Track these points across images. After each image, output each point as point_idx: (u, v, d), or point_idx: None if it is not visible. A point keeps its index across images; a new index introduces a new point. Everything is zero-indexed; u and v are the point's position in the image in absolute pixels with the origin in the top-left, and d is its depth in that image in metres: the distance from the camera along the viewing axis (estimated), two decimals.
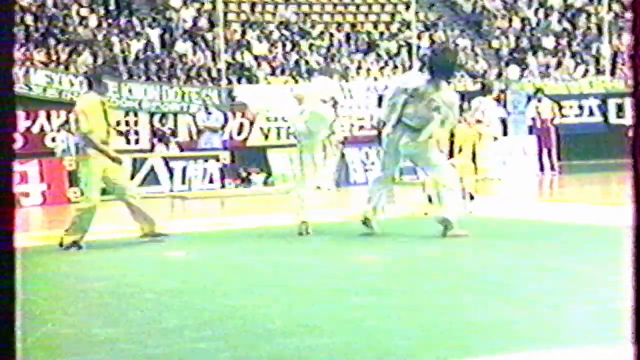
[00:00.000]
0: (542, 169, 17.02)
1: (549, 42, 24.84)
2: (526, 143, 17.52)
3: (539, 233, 7.77)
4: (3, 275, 1.28)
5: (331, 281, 5.51)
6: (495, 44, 25.08)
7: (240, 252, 7.15)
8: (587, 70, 23.45)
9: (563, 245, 6.82)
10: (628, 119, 20.12)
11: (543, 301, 4.62)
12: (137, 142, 17.46)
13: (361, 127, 18.42)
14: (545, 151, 17.12)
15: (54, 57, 19.04)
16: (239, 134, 17.86)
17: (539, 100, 17.74)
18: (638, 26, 1.19)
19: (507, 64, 24.00)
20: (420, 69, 22.24)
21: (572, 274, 5.42)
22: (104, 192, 7.94)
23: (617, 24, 24.78)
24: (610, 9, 24.39)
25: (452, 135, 10.39)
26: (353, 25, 25.21)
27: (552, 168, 17.09)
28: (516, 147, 17.31)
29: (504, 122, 18.99)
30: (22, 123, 16.43)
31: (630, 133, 1.29)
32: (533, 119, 17.86)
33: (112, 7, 21.84)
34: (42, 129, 16.66)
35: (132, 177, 14.56)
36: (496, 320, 4.11)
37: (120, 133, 17.28)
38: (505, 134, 18.48)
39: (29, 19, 19.82)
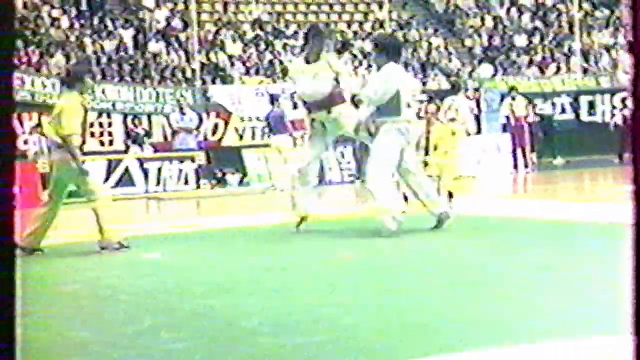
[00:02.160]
0: (516, 166, 17.14)
1: (521, 41, 25.01)
2: (500, 141, 17.64)
3: (515, 229, 7.83)
4: (2, 277, 1.29)
5: (309, 280, 5.51)
6: (468, 42, 25.22)
7: (216, 253, 7.13)
8: (559, 68, 23.66)
9: (539, 241, 6.88)
10: (599, 117, 20.34)
11: (522, 296, 4.65)
12: (111, 143, 17.35)
13: None
14: (519, 149, 17.24)
15: (24, 60, 18.84)
16: (214, 134, 17.81)
17: (513, 99, 17.85)
18: (638, 27, 1.20)
19: (480, 63, 24.13)
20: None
21: (549, 268, 5.47)
22: (70, 195, 7.85)
23: (587, 22, 25.01)
24: (581, 7, 24.62)
25: (428, 133, 10.43)
26: (327, 25, 25.19)
27: (526, 166, 17.22)
28: (490, 145, 17.42)
29: (477, 120, 19.10)
30: None
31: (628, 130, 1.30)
32: (507, 117, 17.98)
33: (84, 8, 21.66)
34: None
35: (107, 178, 14.47)
36: (476, 317, 4.13)
37: (93, 135, 17.16)
38: (479, 132, 18.59)
39: None
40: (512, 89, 18.50)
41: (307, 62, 8.16)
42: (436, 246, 6.89)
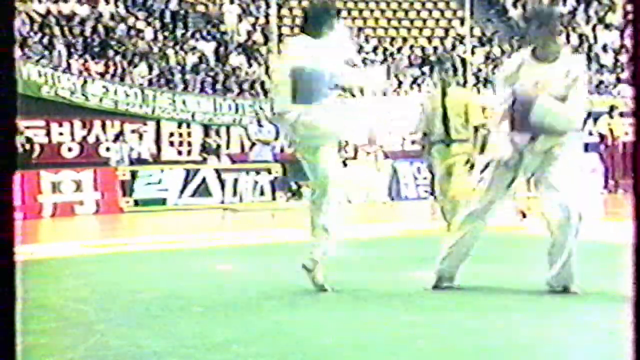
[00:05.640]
0: (606, 186, 16.59)
1: (607, 59, 24.33)
2: (586, 160, 17.14)
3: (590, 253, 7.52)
4: (3, 285, 1.24)
5: (385, 298, 5.38)
6: None
7: (290, 267, 7.07)
8: None
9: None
10: None
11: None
12: (189, 153, 17.59)
13: (413, 142, 18.29)
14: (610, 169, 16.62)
15: (111, 69, 19.31)
16: (290, 146, 17.85)
17: (612, 117, 16.92)
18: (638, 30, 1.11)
19: None
20: (475, 84, 22.01)
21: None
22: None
23: None
24: None
25: None
26: (405, 40, 25.05)
27: (617, 186, 16.55)
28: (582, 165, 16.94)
29: None
30: (78, 132, 16.67)
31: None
32: (602, 135, 17.12)
33: (167, 20, 22.10)
34: (97, 139, 16.89)
35: (184, 188, 14.66)
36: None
37: (172, 144, 17.43)
38: None
39: (87, 30, 20.14)
40: (612, 107, 17.73)
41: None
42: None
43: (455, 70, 7.29)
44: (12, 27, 1.27)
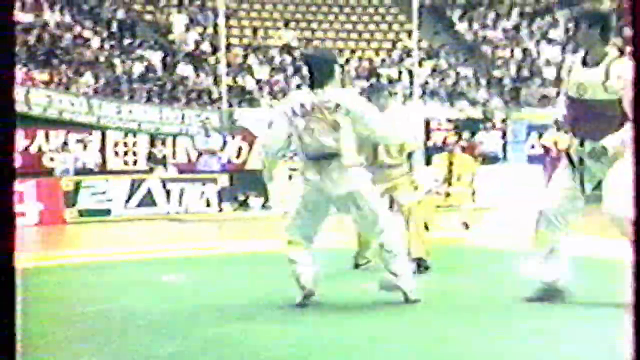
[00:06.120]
0: None
1: (549, 72, 24.87)
2: (528, 172, 17.46)
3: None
4: (3, 294, 1.26)
5: (335, 308, 5.40)
6: (497, 73, 25.12)
7: (236, 277, 7.06)
8: None
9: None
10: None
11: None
12: (135, 163, 17.41)
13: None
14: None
15: (55, 78, 19.03)
16: (237, 156, 17.82)
17: (558, 130, 17.04)
18: (638, 35, 1.16)
19: (508, 93, 24.02)
20: (421, 96, 22.28)
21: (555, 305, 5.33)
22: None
23: None
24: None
25: (450, 163, 10.35)
26: (353, 52, 25.22)
27: None
28: (516, 176, 17.25)
29: (503, 150, 18.94)
30: (21, 142, 16.38)
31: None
32: (547, 148, 17.25)
33: (114, 29, 21.89)
34: (40, 149, 16.61)
35: (129, 198, 14.50)
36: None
37: (117, 154, 17.24)
38: (504, 162, 18.44)
39: (31, 39, 19.83)
40: (557, 120, 17.96)
41: None
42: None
43: (390, 94, 7.26)
44: (13, 42, 1.27)
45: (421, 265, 6.84)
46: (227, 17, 22.60)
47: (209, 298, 5.85)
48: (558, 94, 23.38)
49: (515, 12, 27.27)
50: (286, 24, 24.84)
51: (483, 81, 24.44)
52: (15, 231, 1.28)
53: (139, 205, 14.52)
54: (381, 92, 7.01)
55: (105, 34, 21.34)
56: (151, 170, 16.48)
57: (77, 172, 15.53)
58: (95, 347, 4.32)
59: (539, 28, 26.68)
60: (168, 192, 14.84)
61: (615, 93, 4.89)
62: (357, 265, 7.20)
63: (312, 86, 5.33)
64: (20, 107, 16.62)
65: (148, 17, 23.28)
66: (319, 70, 5.30)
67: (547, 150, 17.15)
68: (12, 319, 1.25)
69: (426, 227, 8.97)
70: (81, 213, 14.10)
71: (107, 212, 14.26)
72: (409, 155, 7.11)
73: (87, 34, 20.97)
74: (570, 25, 25.72)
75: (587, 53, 5.16)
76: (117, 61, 20.47)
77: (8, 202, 1.25)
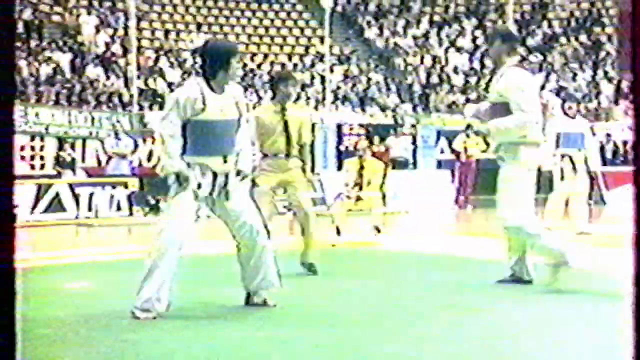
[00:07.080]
0: (456, 201, 17.22)
1: (458, 80, 25.53)
2: (437, 177, 17.85)
3: (443, 267, 7.90)
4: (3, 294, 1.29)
5: (234, 312, 5.44)
6: (407, 79, 25.62)
7: None
8: None
9: (466, 279, 6.93)
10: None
11: (434, 337, 4.68)
12: (42, 167, 16.99)
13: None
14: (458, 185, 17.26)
15: None
16: (148, 160, 17.61)
17: (467, 136, 17.36)
18: (637, 39, 1.23)
19: (418, 99, 24.53)
20: (333, 101, 22.52)
21: (470, 309, 5.52)
22: None
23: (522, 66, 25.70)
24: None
25: (361, 167, 10.52)
26: (266, 56, 25.27)
27: (467, 202, 17.17)
28: (426, 181, 17.61)
29: (413, 155, 19.33)
30: None
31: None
32: (456, 153, 17.54)
33: (20, 30, 21.31)
34: None
35: (36, 203, 14.14)
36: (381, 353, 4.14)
37: (23, 158, 16.78)
38: (414, 167, 18.83)
39: None
40: (468, 126, 18.32)
41: None
42: (365, 282, 6.90)
43: (295, 85, 7.36)
44: (13, 41, 1.27)
45: (312, 269, 7.01)
46: (139, 19, 22.33)
47: (115, 305, 5.78)
48: (467, 100, 24.06)
49: (425, 20, 27.88)
50: (198, 27, 24.70)
51: (393, 87, 24.89)
52: (15, 231, 1.31)
53: (46, 211, 14.18)
54: (288, 81, 7.07)
55: None
56: (59, 174, 16.11)
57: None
58: None
59: (448, 36, 27.36)
60: (77, 197, 14.54)
61: (503, 97, 5.99)
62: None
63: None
64: None
65: (56, 17, 22.76)
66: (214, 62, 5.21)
67: (457, 155, 17.57)
68: (12, 319, 1.27)
69: (338, 232, 9.11)
70: None
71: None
72: (302, 148, 7.16)
73: None
74: (477, 33, 26.47)
75: (496, 64, 6.25)
76: (23, 63, 19.93)
77: (8, 202, 1.28)
